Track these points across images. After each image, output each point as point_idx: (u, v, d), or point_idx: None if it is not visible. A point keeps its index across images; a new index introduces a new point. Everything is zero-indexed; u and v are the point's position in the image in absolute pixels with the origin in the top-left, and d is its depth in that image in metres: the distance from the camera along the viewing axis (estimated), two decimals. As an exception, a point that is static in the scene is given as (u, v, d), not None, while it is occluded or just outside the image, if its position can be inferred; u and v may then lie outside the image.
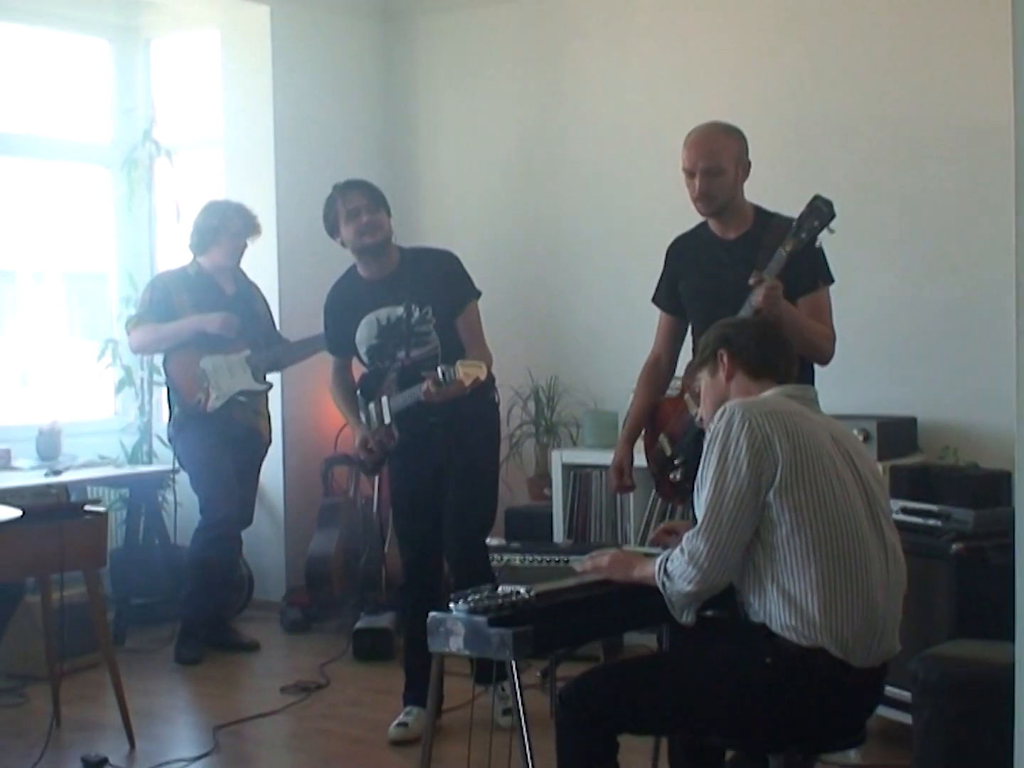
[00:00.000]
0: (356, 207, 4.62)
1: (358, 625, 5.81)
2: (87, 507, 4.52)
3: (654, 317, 6.28)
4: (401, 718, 4.71)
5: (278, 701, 5.14)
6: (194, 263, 5.91)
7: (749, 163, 4.11)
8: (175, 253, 6.57)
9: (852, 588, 2.83)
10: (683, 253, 4.24)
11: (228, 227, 5.85)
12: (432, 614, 2.97)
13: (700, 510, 2.87)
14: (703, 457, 2.90)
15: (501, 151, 6.69)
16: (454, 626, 2.90)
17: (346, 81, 6.89)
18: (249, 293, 6.05)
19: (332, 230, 4.72)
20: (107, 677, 4.62)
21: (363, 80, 6.97)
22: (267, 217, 6.54)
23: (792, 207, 5.77)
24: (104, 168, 6.91)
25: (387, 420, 4.59)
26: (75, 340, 7.02)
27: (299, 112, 6.67)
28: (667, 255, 4.32)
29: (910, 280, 5.65)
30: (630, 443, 4.33)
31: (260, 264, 6.58)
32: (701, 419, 3.22)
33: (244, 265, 6.58)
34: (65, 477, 5.79)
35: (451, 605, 2.94)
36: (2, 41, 6.51)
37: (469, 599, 2.93)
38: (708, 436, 2.91)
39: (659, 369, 4.34)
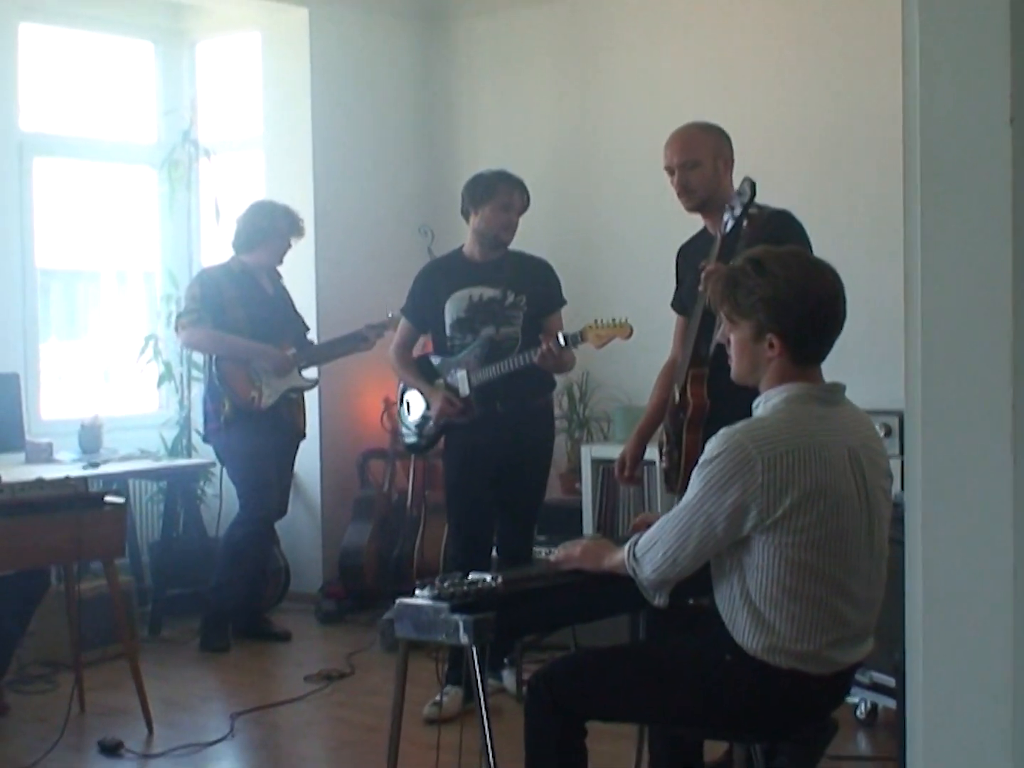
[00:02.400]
0: (512, 203, 4.90)
1: (386, 615, 5.88)
2: (107, 498, 4.63)
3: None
4: (437, 697, 4.76)
5: (300, 689, 5.24)
6: (237, 260, 6.01)
7: (731, 157, 4.13)
8: (215, 252, 6.70)
9: (828, 619, 2.78)
10: (685, 256, 4.30)
11: (277, 228, 5.96)
12: (398, 600, 3.02)
13: (677, 508, 2.84)
14: (697, 467, 2.81)
15: (539, 152, 6.74)
16: (418, 612, 2.96)
17: (384, 83, 6.98)
18: (286, 293, 6.18)
19: (474, 202, 4.93)
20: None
21: (401, 82, 7.06)
22: (305, 217, 6.61)
23: (827, 209, 5.82)
24: (150, 167, 7.05)
25: (465, 392, 4.86)
26: (121, 335, 7.16)
27: (338, 113, 6.77)
28: (676, 259, 4.38)
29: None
30: (639, 438, 4.36)
31: (298, 265, 6.67)
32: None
33: (284, 264, 6.73)
34: (103, 469, 5.95)
35: (416, 591, 3.00)
36: (50, 45, 6.68)
37: (435, 585, 2.98)
38: (712, 448, 2.78)
39: (675, 369, 4.36)
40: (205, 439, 6.16)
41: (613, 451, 6.10)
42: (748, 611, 2.80)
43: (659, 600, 2.91)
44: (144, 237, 7.09)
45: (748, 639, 2.80)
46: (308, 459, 6.71)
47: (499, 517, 4.98)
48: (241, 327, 5.91)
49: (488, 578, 3.02)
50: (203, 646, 5.90)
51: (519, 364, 4.73)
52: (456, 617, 2.88)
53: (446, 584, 2.99)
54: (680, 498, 3.98)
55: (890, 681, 4.02)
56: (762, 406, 2.89)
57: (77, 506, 4.42)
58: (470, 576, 3.07)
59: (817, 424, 2.81)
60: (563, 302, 5.06)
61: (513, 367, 4.75)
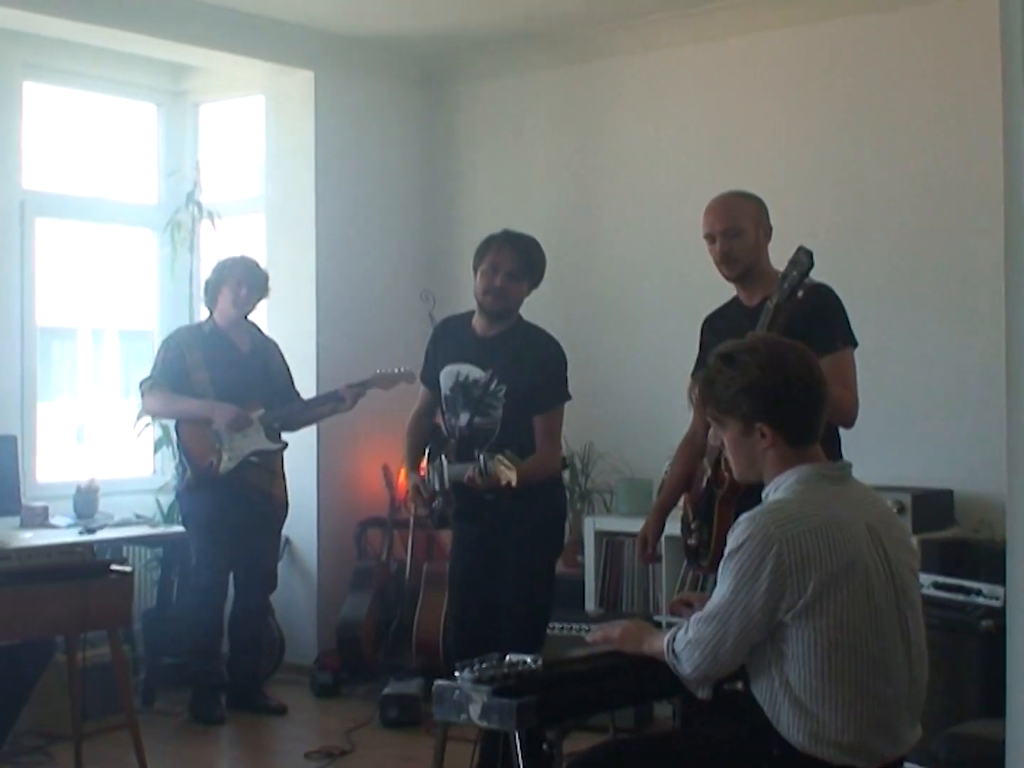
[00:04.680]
0: (497, 265, 4.43)
1: (386, 691, 5.78)
2: (112, 566, 4.53)
3: (686, 382, 6.27)
4: None
5: (301, 767, 5.11)
6: (209, 320, 5.92)
7: (770, 227, 4.11)
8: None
9: (871, 704, 2.71)
10: (713, 326, 4.25)
11: (226, 277, 5.84)
12: (437, 682, 2.93)
13: (711, 605, 2.77)
14: (724, 559, 2.76)
15: (539, 217, 6.69)
16: (459, 695, 2.87)
17: (387, 147, 6.96)
18: (265, 350, 6.02)
19: (475, 267, 4.53)
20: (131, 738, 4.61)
21: (404, 146, 7.04)
22: (307, 280, 6.65)
23: (833, 275, 5.81)
24: (150, 230, 6.99)
25: (446, 484, 4.40)
26: (120, 398, 7.07)
27: (340, 177, 6.73)
28: (701, 329, 4.32)
29: (947, 348, 5.60)
30: (659, 513, 4.27)
31: (299, 328, 6.64)
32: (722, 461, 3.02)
33: (283, 327, 6.68)
34: (99, 535, 5.83)
35: (456, 674, 2.91)
36: (54, 105, 6.63)
37: (475, 668, 2.90)
38: (736, 536, 2.74)
39: (696, 442, 4.24)
40: (176, 496, 6.04)
41: (616, 523, 6.08)
42: (790, 702, 2.73)
43: (703, 693, 2.86)
44: (144, 298, 7.02)
45: (793, 732, 2.74)
46: (304, 527, 6.62)
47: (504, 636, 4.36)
48: (205, 389, 5.80)
49: (528, 660, 2.94)
50: (195, 717, 5.78)
51: (463, 478, 4.21)
52: (499, 701, 2.79)
53: (484, 666, 2.91)
54: (712, 579, 3.93)
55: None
56: (772, 493, 2.86)
57: (84, 575, 4.31)
58: (508, 658, 2.99)
59: (834, 501, 2.81)
60: (565, 398, 4.53)
61: (463, 478, 4.22)
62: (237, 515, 5.80)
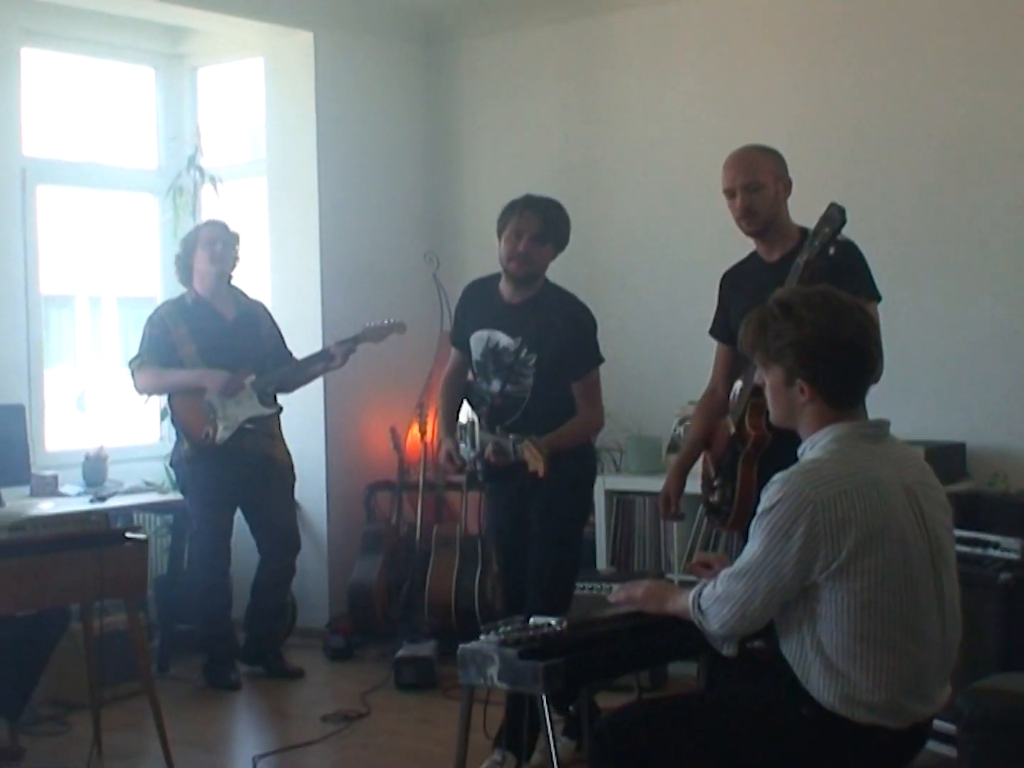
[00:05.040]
0: (520, 230, 4.39)
1: (400, 653, 5.77)
2: (128, 534, 4.51)
3: (698, 343, 6.23)
4: (486, 763, 4.44)
5: (319, 730, 5.12)
6: (191, 291, 5.85)
7: (790, 181, 4.07)
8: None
9: (903, 664, 2.70)
10: (733, 282, 4.22)
11: (198, 238, 5.79)
12: (462, 646, 2.93)
13: (741, 561, 2.76)
14: (756, 517, 2.73)
15: (543, 175, 6.65)
16: (484, 658, 2.86)
17: (389, 106, 6.90)
18: (252, 315, 5.95)
19: (499, 233, 4.50)
20: (148, 705, 4.60)
21: (406, 105, 6.98)
22: (310, 243, 6.61)
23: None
24: (151, 195, 6.95)
25: (470, 453, 4.39)
26: (120, 366, 7.04)
27: (342, 138, 6.68)
28: (720, 285, 4.29)
29: (960, 302, 5.57)
30: (680, 471, 4.23)
31: (303, 291, 6.61)
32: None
33: (287, 291, 6.66)
34: (110, 503, 5.83)
35: (481, 636, 2.90)
36: (52, 70, 6.57)
37: (500, 630, 2.89)
38: (770, 495, 2.71)
39: (716, 400, 4.23)
40: (171, 465, 6.00)
41: (626, 482, 6.07)
42: (821, 663, 2.72)
43: (728, 650, 2.85)
44: (146, 264, 6.98)
45: (824, 692, 2.72)
46: (313, 491, 6.61)
47: (528, 594, 4.41)
48: (194, 362, 5.76)
49: (552, 622, 2.93)
50: (210, 683, 5.80)
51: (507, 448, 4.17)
52: (526, 663, 2.78)
53: (509, 629, 2.90)
54: (740, 539, 3.92)
55: (948, 728, 3.77)
56: (808, 451, 2.83)
57: (100, 543, 4.29)
58: (532, 620, 2.98)
59: (870, 461, 2.76)
60: (598, 360, 4.52)
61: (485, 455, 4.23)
62: (239, 483, 5.78)
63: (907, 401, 5.49)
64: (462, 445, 4.43)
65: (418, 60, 7.01)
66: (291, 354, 5.99)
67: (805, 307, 2.78)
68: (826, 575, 2.67)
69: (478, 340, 4.51)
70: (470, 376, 4.64)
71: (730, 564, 3.18)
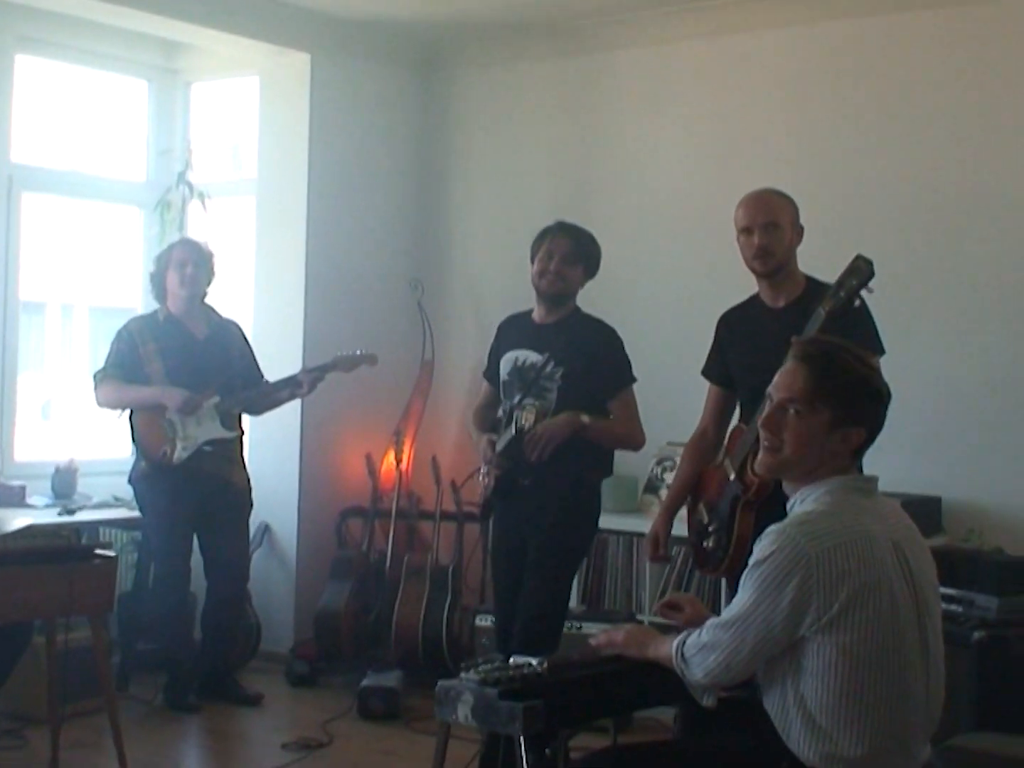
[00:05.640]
0: (551, 251, 4.52)
1: (364, 683, 5.71)
2: (97, 551, 4.45)
3: (679, 384, 6.25)
4: None
5: (278, 757, 5.05)
6: (163, 308, 5.80)
7: (802, 228, 4.07)
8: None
9: (887, 721, 2.66)
10: (732, 325, 4.20)
11: (170, 259, 5.73)
12: (441, 682, 2.88)
13: (730, 612, 2.72)
14: (749, 568, 2.70)
15: (534, 206, 6.65)
16: (463, 695, 2.82)
17: (382, 132, 6.88)
18: (224, 335, 5.88)
19: (532, 257, 4.61)
20: (107, 723, 4.53)
21: (399, 131, 6.96)
22: (296, 264, 6.57)
23: (827, 273, 5.79)
24: (137, 207, 6.91)
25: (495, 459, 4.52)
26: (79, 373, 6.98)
27: (334, 160, 6.66)
28: (717, 327, 4.28)
29: (939, 357, 5.58)
30: (668, 513, 4.24)
31: (287, 310, 6.58)
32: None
33: (271, 310, 6.62)
34: (78, 517, 5.76)
35: (461, 674, 2.86)
36: (45, 78, 6.53)
37: (480, 668, 2.85)
38: (763, 547, 2.68)
39: (706, 442, 4.24)
40: (129, 482, 5.89)
41: (601, 521, 5.99)
42: (802, 719, 2.68)
43: (708, 701, 2.81)
44: (127, 277, 6.93)
45: (804, 748, 2.69)
46: (285, 514, 6.56)
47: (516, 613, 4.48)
48: (159, 379, 5.69)
49: (533, 662, 2.89)
50: (168, 705, 5.71)
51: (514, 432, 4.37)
52: (505, 704, 2.74)
53: (489, 668, 2.86)
54: (729, 586, 3.89)
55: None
56: (799, 504, 2.80)
57: (69, 558, 4.23)
58: (512, 660, 2.94)
59: (862, 515, 2.74)
60: (630, 379, 4.59)
61: (513, 444, 4.36)
62: (195, 504, 5.70)
63: (883, 453, 5.45)
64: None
65: (414, 87, 6.99)
66: (262, 376, 5.93)
67: (865, 356, 2.83)
68: (816, 628, 2.63)
69: (507, 362, 4.60)
70: (500, 412, 4.65)
71: (700, 605, 3.18)
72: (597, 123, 6.55)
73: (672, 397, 6.20)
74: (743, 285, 5.99)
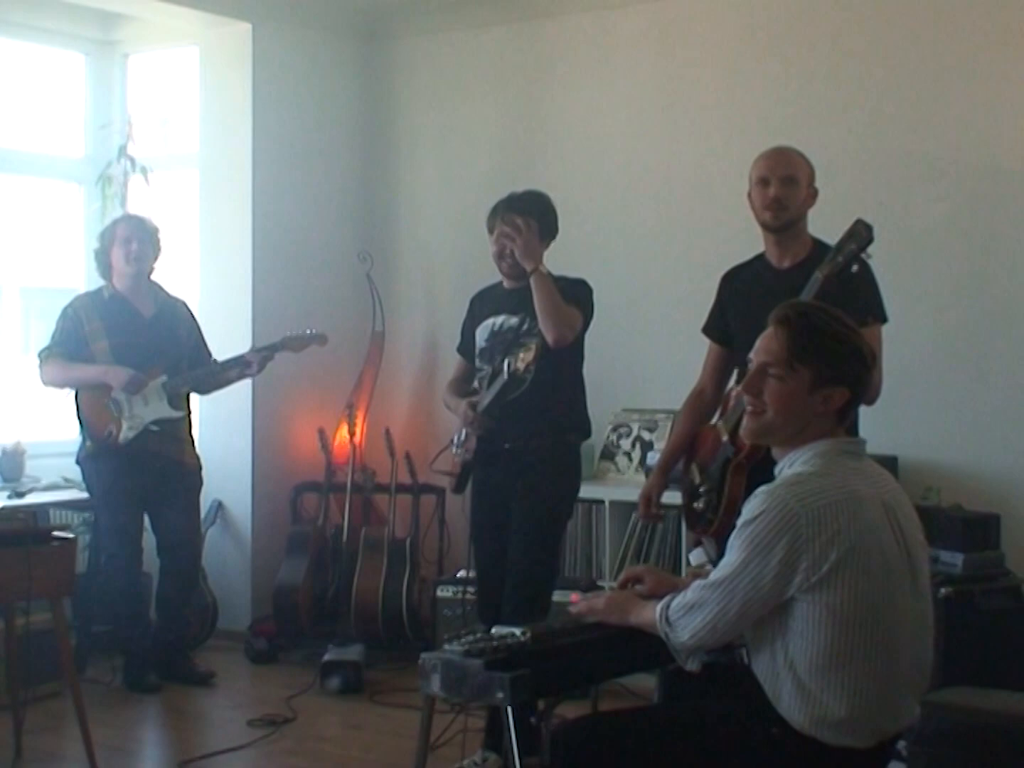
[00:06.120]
0: (501, 230, 4.45)
1: (326, 657, 5.67)
2: (55, 532, 4.37)
3: (633, 349, 6.25)
4: (466, 760, 4.46)
5: (245, 735, 5.00)
6: (108, 286, 5.70)
7: (816, 191, 4.03)
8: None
9: (877, 682, 2.65)
10: (735, 283, 4.16)
11: (115, 235, 5.64)
12: (424, 655, 2.85)
13: (718, 572, 2.71)
14: (737, 528, 2.69)
15: (481, 174, 6.61)
16: (446, 668, 2.79)
17: (326, 102, 6.79)
18: (172, 313, 5.79)
19: (489, 231, 4.55)
20: (67, 707, 4.49)
21: (344, 101, 6.87)
22: (243, 238, 6.48)
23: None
24: (76, 184, 6.78)
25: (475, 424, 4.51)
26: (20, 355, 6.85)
27: (278, 131, 6.56)
28: (720, 284, 4.23)
29: (898, 318, 5.58)
30: (662, 472, 4.21)
31: (235, 286, 6.50)
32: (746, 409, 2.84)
33: (217, 286, 6.53)
34: (28, 499, 5.66)
35: (444, 646, 2.83)
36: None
37: (463, 640, 2.82)
38: (752, 507, 2.67)
39: (703, 400, 4.21)
40: (76, 462, 5.81)
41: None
42: (793, 682, 2.67)
43: (692, 664, 2.79)
44: (66, 254, 6.80)
45: (795, 712, 2.68)
46: (239, 491, 6.50)
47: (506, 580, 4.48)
48: (105, 358, 5.60)
49: (517, 632, 2.87)
50: (128, 686, 5.64)
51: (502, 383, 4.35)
52: (493, 675, 2.72)
53: (472, 639, 2.83)
54: (716, 547, 3.89)
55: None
56: (787, 468, 2.79)
57: (27, 541, 4.15)
58: (494, 630, 2.92)
59: (852, 476, 2.73)
60: (580, 294, 4.53)
61: (505, 392, 4.36)
62: (143, 484, 5.63)
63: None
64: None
65: (357, 56, 6.90)
66: (211, 355, 5.87)
67: (847, 320, 2.80)
68: (805, 588, 2.62)
69: (483, 329, 4.59)
70: (475, 384, 4.64)
71: (661, 573, 3.17)
72: (543, 90, 6.50)
73: (624, 363, 6.20)
74: (693, 249, 6.03)
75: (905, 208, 5.56)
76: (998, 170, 5.37)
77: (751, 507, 2.68)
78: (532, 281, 4.35)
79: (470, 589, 5.46)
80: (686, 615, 2.73)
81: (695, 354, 5.96)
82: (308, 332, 5.73)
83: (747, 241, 5.85)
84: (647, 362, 6.11)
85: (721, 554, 2.79)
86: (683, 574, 5.56)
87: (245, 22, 6.42)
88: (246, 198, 6.47)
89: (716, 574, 2.71)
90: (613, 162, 6.31)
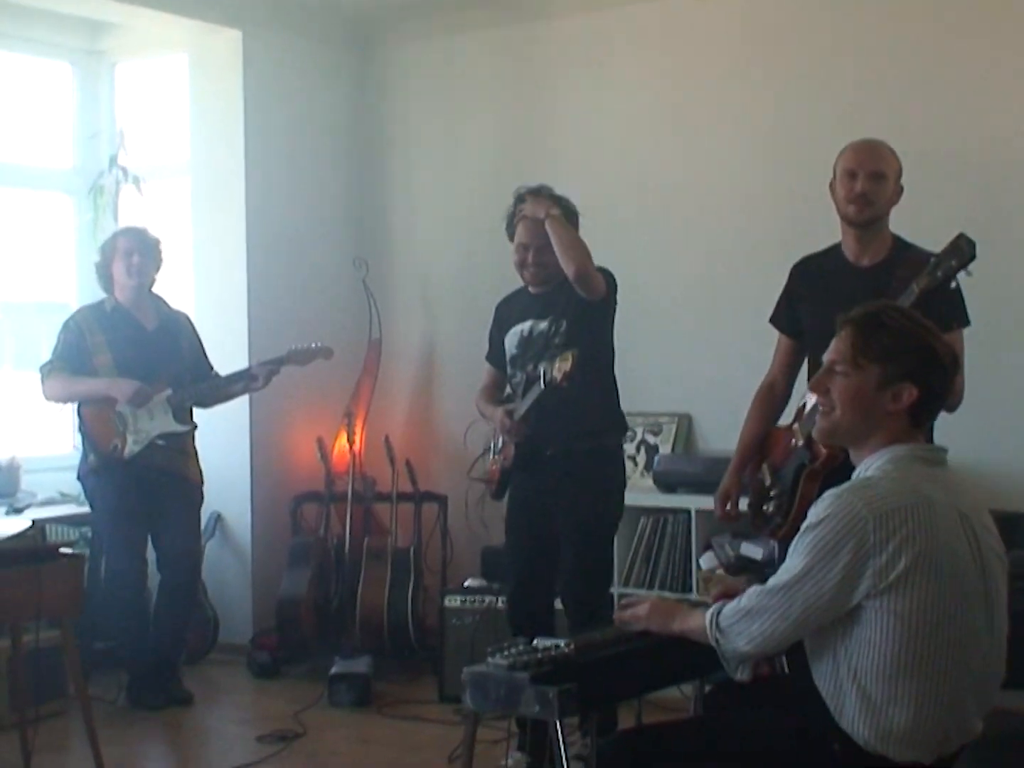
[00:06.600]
0: (526, 244, 4.43)
1: (334, 670, 5.60)
2: (62, 549, 4.29)
3: (633, 348, 6.17)
4: (503, 762, 4.39)
5: (255, 751, 4.92)
6: (111, 298, 5.63)
7: (902, 188, 3.95)
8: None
9: (946, 697, 2.58)
10: (810, 276, 4.05)
11: (116, 248, 5.57)
12: (467, 669, 2.79)
13: (777, 578, 2.63)
14: (800, 533, 2.62)
15: (474, 181, 6.55)
16: (492, 682, 2.73)
17: (319, 109, 6.71)
18: (174, 326, 5.73)
19: (509, 234, 4.53)
20: (72, 726, 4.43)
21: (336, 108, 6.80)
22: (236, 247, 6.41)
23: (755, 257, 5.73)
24: (66, 195, 6.69)
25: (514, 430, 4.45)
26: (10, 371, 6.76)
27: (270, 140, 6.48)
28: (791, 275, 4.13)
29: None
30: (738, 472, 4.11)
31: (229, 295, 6.43)
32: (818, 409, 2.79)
33: (212, 296, 6.47)
34: (28, 515, 5.56)
35: (488, 659, 2.77)
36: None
37: (506, 653, 2.76)
38: (818, 511, 2.60)
39: (774, 395, 4.13)
40: (78, 478, 5.71)
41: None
42: (857, 694, 2.59)
43: (742, 674, 2.72)
44: (59, 268, 6.71)
45: (859, 727, 2.60)
46: (237, 503, 6.42)
47: (562, 594, 4.55)
48: (108, 371, 5.52)
49: (561, 643, 2.81)
50: (133, 704, 5.55)
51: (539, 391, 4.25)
52: (538, 689, 2.65)
53: (515, 651, 2.77)
54: (779, 551, 3.83)
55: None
56: (863, 472, 2.71)
57: (36, 560, 4.06)
58: (536, 642, 2.86)
59: (926, 482, 2.64)
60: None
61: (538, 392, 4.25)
62: (147, 499, 5.55)
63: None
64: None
65: (350, 63, 6.82)
66: (212, 368, 5.80)
67: (922, 318, 2.74)
68: (872, 595, 2.55)
69: (513, 336, 4.54)
70: (508, 390, 4.60)
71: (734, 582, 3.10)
72: (539, 92, 6.43)
73: (625, 366, 6.11)
74: (691, 251, 5.98)
75: (915, 206, 5.51)
76: (1005, 164, 5.32)
77: (817, 511, 2.61)
78: (547, 225, 4.31)
79: (482, 599, 5.44)
80: (741, 621, 2.66)
81: (696, 355, 5.96)
82: (314, 345, 5.67)
83: (748, 243, 5.87)
84: (648, 365, 6.05)
85: (783, 559, 2.72)
86: (693, 578, 5.54)
87: (235, 29, 6.34)
88: (239, 206, 6.39)
89: (776, 579, 2.63)
90: (611, 166, 6.25)
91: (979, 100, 5.35)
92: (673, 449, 5.95)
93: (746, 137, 5.85)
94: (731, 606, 2.69)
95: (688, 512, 5.54)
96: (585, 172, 6.28)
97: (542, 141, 6.43)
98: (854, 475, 2.75)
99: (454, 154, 6.66)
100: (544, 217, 4.32)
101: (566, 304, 4.40)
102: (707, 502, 5.46)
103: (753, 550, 5.43)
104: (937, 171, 5.44)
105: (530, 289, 4.57)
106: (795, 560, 2.61)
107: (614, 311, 4.53)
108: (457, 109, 6.65)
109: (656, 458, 5.84)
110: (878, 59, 5.57)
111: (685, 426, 6.03)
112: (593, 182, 6.29)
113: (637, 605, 2.98)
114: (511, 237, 4.49)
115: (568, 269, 4.29)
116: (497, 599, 5.45)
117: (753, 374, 5.65)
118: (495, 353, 4.69)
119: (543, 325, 4.44)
